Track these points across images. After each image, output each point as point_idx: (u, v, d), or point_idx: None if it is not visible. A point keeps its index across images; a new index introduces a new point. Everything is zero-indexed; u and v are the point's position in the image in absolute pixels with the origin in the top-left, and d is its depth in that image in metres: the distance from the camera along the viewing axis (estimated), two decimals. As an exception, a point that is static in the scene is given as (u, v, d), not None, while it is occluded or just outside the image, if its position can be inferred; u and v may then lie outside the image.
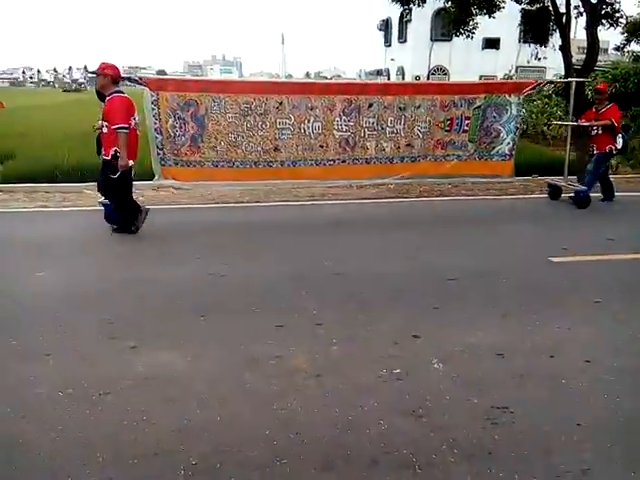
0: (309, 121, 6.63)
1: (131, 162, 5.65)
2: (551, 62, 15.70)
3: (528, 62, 17.84)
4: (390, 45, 35.92)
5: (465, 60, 28.14)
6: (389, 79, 33.16)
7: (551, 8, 9.26)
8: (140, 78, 6.60)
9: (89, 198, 7.54)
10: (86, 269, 4.74)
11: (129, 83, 6.71)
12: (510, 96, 6.84)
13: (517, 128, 7.04)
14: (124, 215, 5.92)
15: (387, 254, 5.27)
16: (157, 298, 4.00)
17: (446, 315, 3.77)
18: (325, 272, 4.63)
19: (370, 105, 6.62)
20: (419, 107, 6.70)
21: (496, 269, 4.74)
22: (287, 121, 6.62)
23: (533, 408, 2.65)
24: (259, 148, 6.70)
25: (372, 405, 2.68)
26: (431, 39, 30.89)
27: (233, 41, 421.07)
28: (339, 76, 62.24)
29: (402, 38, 33.27)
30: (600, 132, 7.22)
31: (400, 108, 6.67)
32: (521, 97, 6.93)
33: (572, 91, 7.45)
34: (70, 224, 6.47)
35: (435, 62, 31.16)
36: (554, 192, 7.69)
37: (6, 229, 6.30)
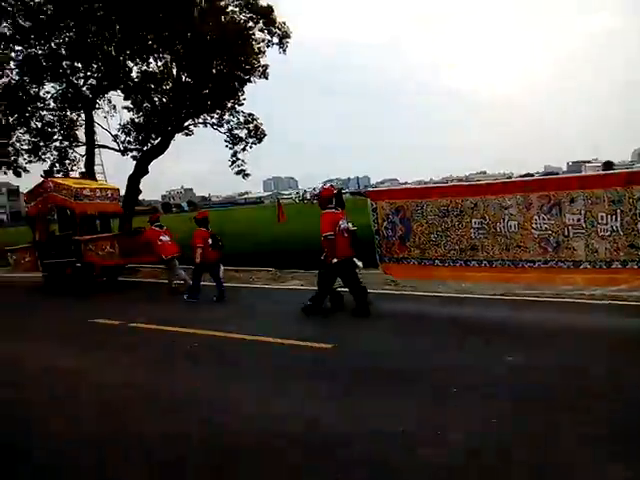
0: (504, 220, 6.43)
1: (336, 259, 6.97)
2: None
3: None
4: None
5: None
6: None
7: None
8: (364, 192, 7.99)
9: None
10: (557, 356, 4.80)
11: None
12: None
13: None
14: (318, 299, 7.13)
15: None
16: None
17: None
18: None
19: (572, 200, 5.94)
20: (639, 199, 5.57)
21: None
22: (482, 221, 6.61)
23: None
24: (456, 247, 6.86)
25: None
26: None
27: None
28: None
29: None
30: None
31: (613, 201, 5.71)
32: None
33: None
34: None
35: None
36: None
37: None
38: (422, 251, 7.19)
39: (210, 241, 8.53)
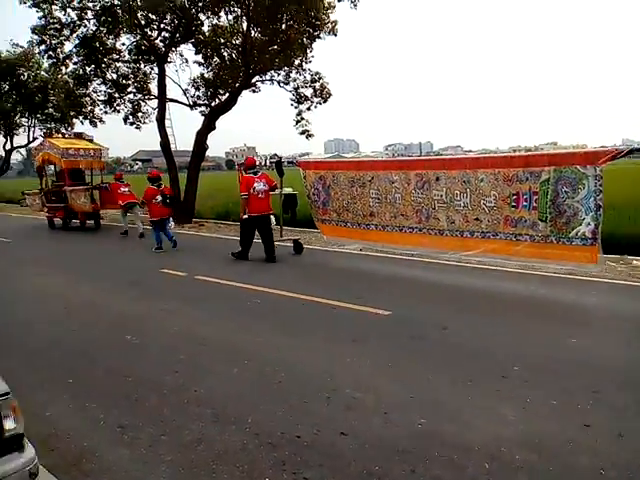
0: (392, 192, 7.71)
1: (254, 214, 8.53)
2: None
3: None
4: None
5: None
6: None
7: None
8: (297, 162, 9.57)
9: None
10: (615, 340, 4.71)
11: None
12: (586, 168, 5.84)
13: (600, 206, 5.81)
14: (242, 249, 8.70)
15: None
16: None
17: None
18: None
19: (438, 179, 7.11)
20: (482, 180, 6.68)
21: None
22: (377, 192, 7.92)
23: None
24: (360, 212, 8.22)
25: None
26: None
27: None
28: None
29: None
30: None
31: (464, 181, 6.85)
32: (598, 169, 5.76)
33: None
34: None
35: None
36: None
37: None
38: (338, 214, 8.62)
39: (159, 198, 9.97)
